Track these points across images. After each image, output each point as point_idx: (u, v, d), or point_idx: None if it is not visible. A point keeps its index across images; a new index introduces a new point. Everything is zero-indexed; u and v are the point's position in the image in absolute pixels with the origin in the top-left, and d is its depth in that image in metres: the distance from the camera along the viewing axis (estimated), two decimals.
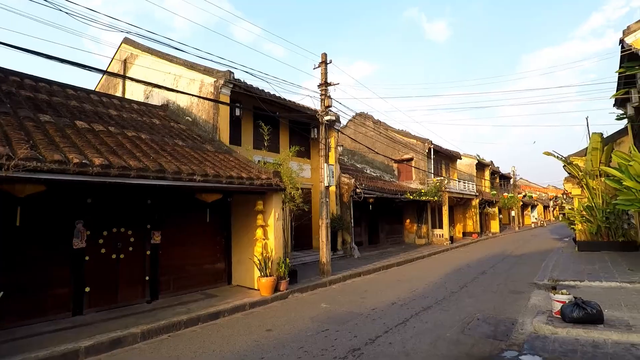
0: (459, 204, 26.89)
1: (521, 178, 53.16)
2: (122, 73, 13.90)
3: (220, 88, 10.53)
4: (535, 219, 55.32)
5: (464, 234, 26.79)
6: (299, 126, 14.57)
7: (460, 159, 27.76)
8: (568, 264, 12.45)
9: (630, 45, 9.57)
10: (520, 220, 42.30)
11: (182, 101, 11.80)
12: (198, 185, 6.89)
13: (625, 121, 16.70)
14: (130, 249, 7.59)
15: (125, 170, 5.82)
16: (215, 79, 10.75)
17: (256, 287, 8.34)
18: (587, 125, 38.83)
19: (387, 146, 22.05)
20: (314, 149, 15.66)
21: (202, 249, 8.89)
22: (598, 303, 5.88)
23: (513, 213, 39.32)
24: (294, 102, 13.10)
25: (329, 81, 10.80)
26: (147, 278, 7.72)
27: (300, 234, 14.56)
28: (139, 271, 7.66)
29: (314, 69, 11.22)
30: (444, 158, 25.52)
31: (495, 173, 39.84)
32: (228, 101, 10.78)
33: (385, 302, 7.81)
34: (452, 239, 21.51)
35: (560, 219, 24.32)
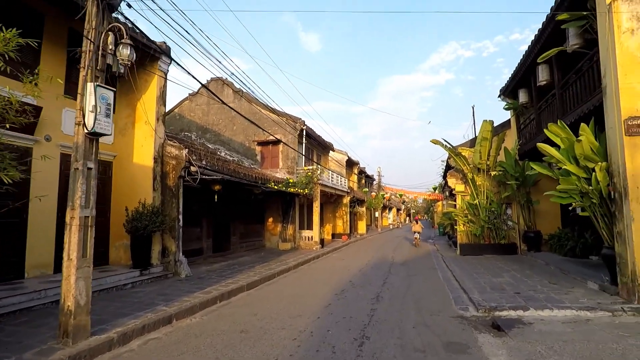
0: (330, 201, 23.62)
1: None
2: None
3: None
4: (392, 220, 57.92)
5: (333, 235, 23.63)
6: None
7: (334, 150, 24.58)
8: (470, 274, 9.50)
9: None
10: (380, 222, 42.39)
11: None
12: None
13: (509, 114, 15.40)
14: None
15: None
16: None
17: None
18: (473, 115, 40.13)
19: (249, 125, 16.98)
20: (123, 96, 9.59)
21: None
22: None
23: (377, 214, 38.83)
24: None
25: None
26: None
27: None
28: None
29: None
30: (317, 147, 21.80)
31: (362, 172, 38.82)
32: None
33: None
34: (322, 242, 17.71)
35: (440, 219, 23.20)
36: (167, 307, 6.33)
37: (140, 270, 8.56)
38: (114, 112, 9.50)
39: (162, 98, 9.61)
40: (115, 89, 5.04)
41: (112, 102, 4.97)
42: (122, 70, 8.93)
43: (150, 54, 8.92)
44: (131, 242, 8.73)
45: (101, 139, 9.04)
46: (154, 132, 9.25)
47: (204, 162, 9.93)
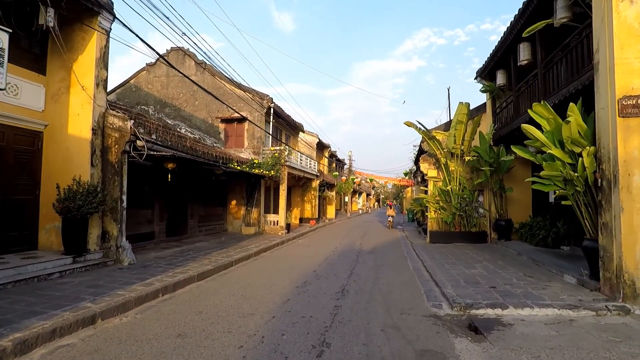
0: (298, 184, 22.74)
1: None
2: None
3: None
4: (362, 205, 57.91)
5: (301, 219, 22.85)
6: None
7: (304, 131, 23.57)
8: (442, 265, 8.96)
9: None
10: (350, 206, 42.04)
11: None
12: None
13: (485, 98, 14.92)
14: None
15: None
16: None
17: None
18: (449, 97, 39.69)
19: (212, 101, 15.66)
20: (56, 56, 8.17)
21: None
22: None
23: (347, 198, 38.40)
24: None
25: None
26: None
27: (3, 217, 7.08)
28: None
29: None
30: (286, 127, 20.71)
31: (333, 156, 38.12)
32: None
33: None
34: (288, 227, 16.87)
35: (411, 205, 22.81)
36: (94, 303, 5.30)
37: (73, 257, 7.40)
38: (43, 74, 8.18)
39: (103, 60, 8.27)
40: (10, 31, 3.86)
41: (6, 47, 3.79)
42: (50, 23, 7.57)
43: (87, 6, 7.55)
44: (62, 225, 7.52)
45: (29, 105, 7.75)
46: (92, 100, 7.95)
47: (154, 137, 8.74)
